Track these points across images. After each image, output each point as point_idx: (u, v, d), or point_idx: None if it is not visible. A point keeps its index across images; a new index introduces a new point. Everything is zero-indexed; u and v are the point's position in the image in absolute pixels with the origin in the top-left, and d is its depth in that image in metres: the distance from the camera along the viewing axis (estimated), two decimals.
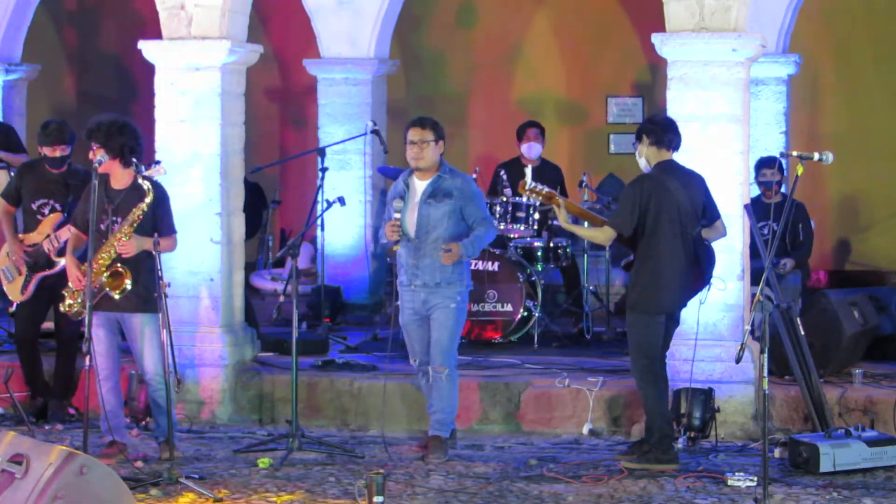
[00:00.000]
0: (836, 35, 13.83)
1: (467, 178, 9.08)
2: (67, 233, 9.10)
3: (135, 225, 8.41)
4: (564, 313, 11.78)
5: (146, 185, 8.54)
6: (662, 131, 8.62)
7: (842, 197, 14.09)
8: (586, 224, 9.20)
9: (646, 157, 8.60)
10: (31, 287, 9.71)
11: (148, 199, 8.46)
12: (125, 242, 8.36)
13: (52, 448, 6.75)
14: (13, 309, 10.06)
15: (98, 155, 8.35)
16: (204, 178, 9.97)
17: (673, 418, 8.75)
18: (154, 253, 8.35)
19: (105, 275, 8.40)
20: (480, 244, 8.89)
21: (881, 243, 14.11)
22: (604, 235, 8.66)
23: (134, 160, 8.57)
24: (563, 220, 8.64)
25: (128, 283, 8.39)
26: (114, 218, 8.50)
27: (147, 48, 10.17)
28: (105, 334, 8.53)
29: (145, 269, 8.42)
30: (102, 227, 8.46)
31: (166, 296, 8.38)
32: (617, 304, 11.90)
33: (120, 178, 8.57)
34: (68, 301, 8.59)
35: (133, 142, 8.57)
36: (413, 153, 8.76)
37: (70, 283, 8.57)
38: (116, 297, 8.39)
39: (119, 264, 8.39)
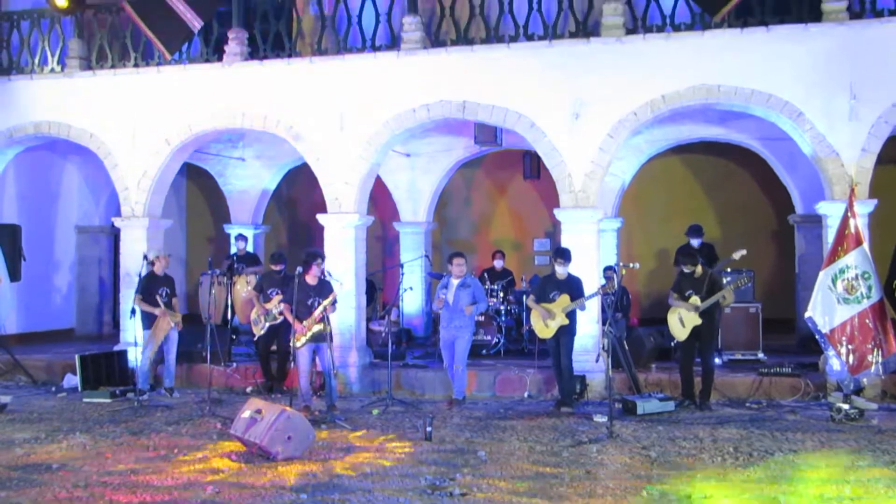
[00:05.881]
0: (640, 207, 13.86)
1: (476, 280, 9.15)
2: (283, 305, 9.24)
3: (331, 302, 8.40)
4: (515, 340, 11.73)
5: (339, 283, 8.69)
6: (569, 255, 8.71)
7: (644, 284, 14.11)
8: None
9: (566, 269, 8.63)
10: (265, 327, 9.64)
11: (337, 291, 8.54)
12: (328, 308, 8.34)
13: (275, 405, 6.89)
14: (256, 339, 9.94)
15: (300, 267, 8.34)
16: (348, 279, 10.02)
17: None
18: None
19: (320, 325, 8.33)
20: (480, 309, 8.99)
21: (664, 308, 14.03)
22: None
23: (324, 268, 8.66)
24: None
25: (329, 328, 8.39)
26: (315, 298, 8.43)
27: (321, 218, 10.28)
28: (308, 353, 8.47)
29: (327, 322, 8.43)
30: (308, 302, 8.40)
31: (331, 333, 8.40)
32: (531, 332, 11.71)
33: (313, 278, 8.56)
34: (298, 339, 8.32)
35: (322, 261, 8.67)
36: (457, 272, 8.89)
37: (297, 331, 8.33)
38: (325, 333, 8.30)
39: (323, 320, 8.36)
